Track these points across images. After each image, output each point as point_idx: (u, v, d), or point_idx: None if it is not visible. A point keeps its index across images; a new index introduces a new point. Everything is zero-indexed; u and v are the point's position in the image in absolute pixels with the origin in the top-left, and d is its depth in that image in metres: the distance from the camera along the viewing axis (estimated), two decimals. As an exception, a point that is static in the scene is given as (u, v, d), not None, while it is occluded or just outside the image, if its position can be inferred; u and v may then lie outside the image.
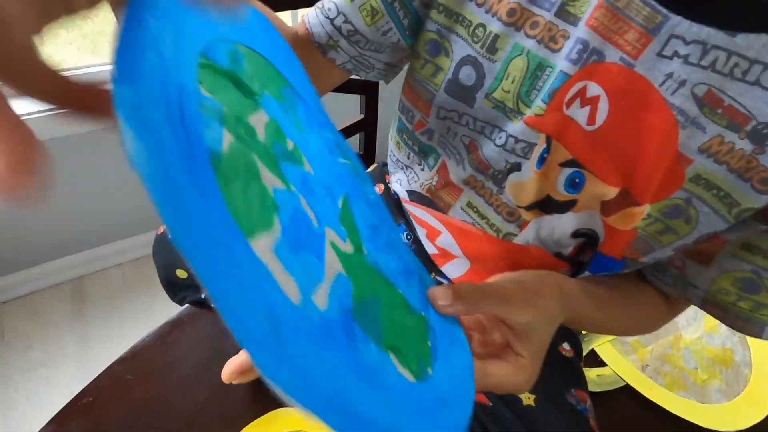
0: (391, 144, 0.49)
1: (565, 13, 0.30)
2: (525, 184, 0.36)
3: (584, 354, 0.59)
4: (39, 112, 0.96)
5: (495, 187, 0.38)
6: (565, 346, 0.45)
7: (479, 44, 0.34)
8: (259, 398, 0.47)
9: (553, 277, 0.33)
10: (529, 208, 0.37)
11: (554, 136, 0.33)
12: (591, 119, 0.31)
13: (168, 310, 0.55)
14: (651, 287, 0.40)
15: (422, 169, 0.45)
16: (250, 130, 0.20)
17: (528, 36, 0.32)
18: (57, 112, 0.14)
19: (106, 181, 1.17)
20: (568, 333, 0.46)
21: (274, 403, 0.47)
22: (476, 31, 0.34)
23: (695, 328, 0.63)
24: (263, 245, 0.16)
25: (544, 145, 0.34)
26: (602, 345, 0.59)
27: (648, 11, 0.28)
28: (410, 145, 0.45)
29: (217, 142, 0.17)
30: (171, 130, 0.14)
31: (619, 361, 0.57)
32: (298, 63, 0.29)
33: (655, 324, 0.43)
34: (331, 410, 0.14)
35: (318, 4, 0.40)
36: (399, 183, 0.49)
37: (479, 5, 0.33)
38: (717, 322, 0.66)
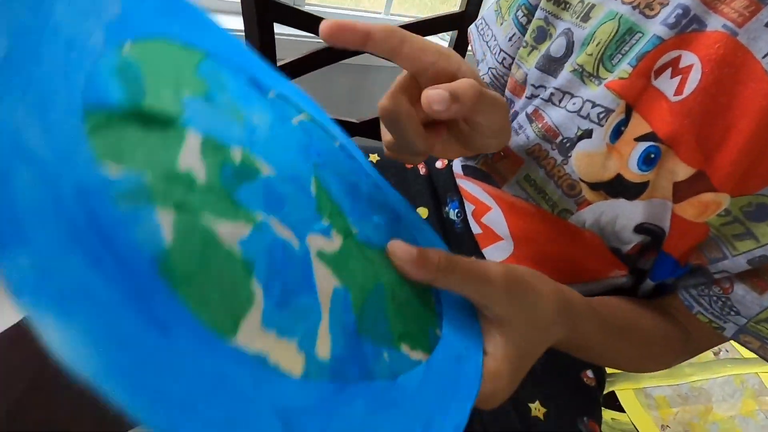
0: None
1: None
2: (594, 155, 0.34)
3: (604, 393, 0.56)
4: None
5: (560, 156, 0.37)
6: (589, 373, 0.43)
7: (576, 16, 0.35)
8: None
9: (556, 282, 0.29)
10: (594, 187, 0.35)
11: (635, 106, 0.31)
12: (679, 90, 0.29)
13: None
14: (669, 321, 0.36)
15: None
16: (187, 180, 0.16)
17: (624, 2, 0.32)
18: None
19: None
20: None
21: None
22: (576, 7, 0.35)
23: (730, 406, 0.59)
24: (250, 329, 0.15)
25: (622, 116, 0.32)
26: (625, 391, 0.56)
27: None
28: None
29: (156, 237, 0.14)
30: (98, 275, 0.11)
31: (640, 412, 0.54)
32: (199, 14, 0.23)
33: (668, 362, 0.39)
34: None
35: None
36: (461, 159, 0.48)
37: None
38: (756, 407, 0.60)
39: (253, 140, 0.20)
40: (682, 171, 0.30)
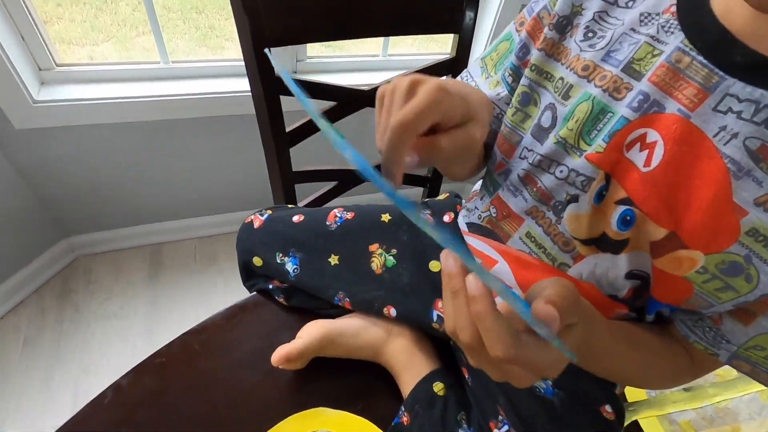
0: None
1: (630, 70, 0.35)
2: (582, 216, 0.39)
3: (627, 423, 0.56)
4: (155, 96, 1.09)
5: (554, 216, 0.42)
6: (608, 408, 0.45)
7: (558, 93, 0.40)
8: (304, 392, 0.51)
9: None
10: (586, 242, 0.40)
11: (612, 174, 0.36)
12: (647, 162, 0.34)
13: (227, 289, 0.61)
14: (675, 342, 0.40)
15: (482, 201, 0.50)
16: None
17: (596, 86, 0.37)
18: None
19: (194, 165, 1.29)
20: (611, 396, 0.46)
21: (317, 400, 0.50)
22: (557, 83, 0.40)
23: (759, 425, 0.59)
24: None
25: (603, 182, 0.37)
26: (648, 419, 0.56)
27: (706, 72, 0.31)
28: (487, 185, 0.50)
29: None
30: None
31: (665, 439, 0.54)
32: None
33: (676, 380, 0.42)
34: None
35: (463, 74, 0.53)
36: (465, 217, 0.52)
37: (562, 63, 0.40)
38: (786, 423, 0.60)
39: None
40: (656, 232, 0.34)
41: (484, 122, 0.33)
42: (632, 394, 0.60)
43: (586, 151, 0.37)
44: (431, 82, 0.29)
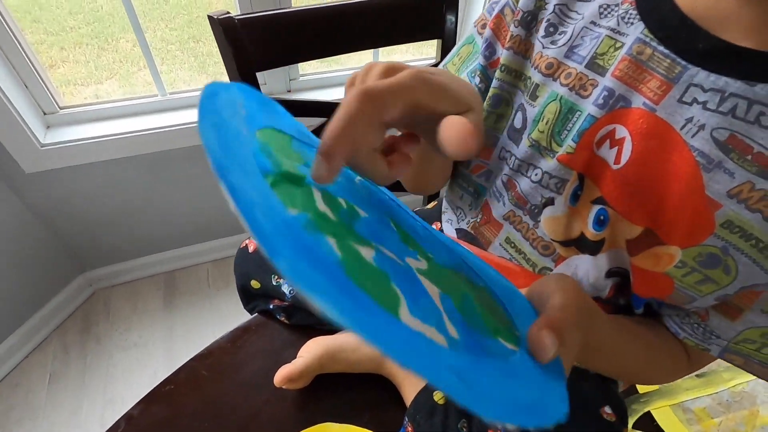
0: (444, 188, 0.53)
1: (594, 65, 0.34)
2: (559, 218, 0.38)
3: (639, 414, 0.56)
4: (155, 128, 1.12)
5: (531, 221, 0.41)
6: (607, 409, 0.44)
7: (526, 93, 0.39)
8: (311, 408, 0.52)
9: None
10: (565, 244, 0.39)
11: (586, 174, 0.36)
12: (617, 159, 0.33)
13: (241, 308, 0.62)
14: (671, 336, 0.39)
15: (470, 208, 0.50)
16: (327, 218, 0.21)
17: (562, 84, 0.36)
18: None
19: (199, 191, 1.32)
20: (611, 397, 0.45)
21: (324, 415, 0.51)
22: (526, 82, 0.39)
23: (779, 406, 0.57)
24: (405, 316, 0.19)
25: (577, 182, 0.36)
26: (661, 409, 0.55)
27: (668, 62, 0.30)
28: (465, 187, 0.49)
29: (333, 253, 0.18)
30: (321, 274, 0.16)
31: (680, 430, 0.53)
32: (274, 105, 0.30)
33: (675, 373, 0.41)
34: (522, 413, 0.19)
35: None
36: (449, 223, 0.52)
37: (530, 62, 0.39)
38: (807, 403, 0.59)
39: (344, 192, 0.26)
40: (631, 230, 0.34)
41: (478, 111, 0.31)
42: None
43: (557, 152, 0.37)
44: (410, 69, 0.24)
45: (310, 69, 1.33)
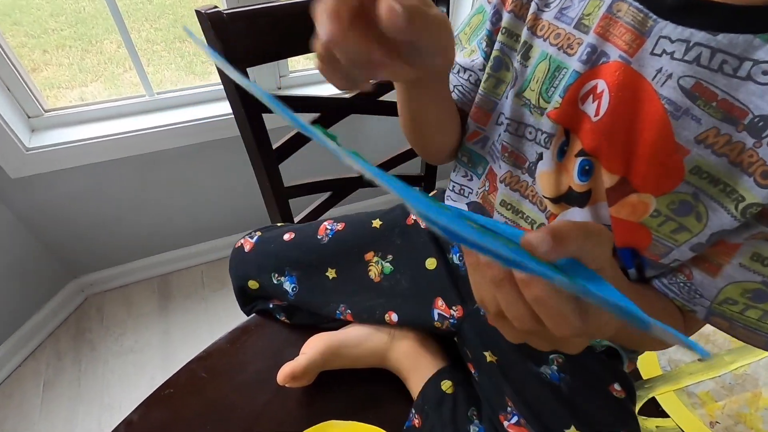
0: (444, 189, 0.55)
1: (581, 25, 0.37)
2: (549, 174, 0.40)
3: (644, 401, 0.56)
4: (143, 129, 1.10)
5: (530, 179, 0.43)
6: (616, 386, 0.44)
7: (519, 54, 0.41)
8: (314, 407, 0.51)
9: None
10: (555, 201, 0.41)
11: (570, 129, 0.37)
12: (597, 111, 0.35)
13: (238, 310, 0.61)
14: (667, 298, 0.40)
15: (471, 180, 0.52)
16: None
17: (551, 44, 0.38)
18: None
19: (190, 192, 1.30)
20: (618, 374, 0.45)
21: (327, 413, 0.50)
22: (521, 44, 0.41)
23: (780, 387, 0.57)
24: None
25: (563, 138, 0.38)
26: (665, 394, 0.55)
27: (642, 17, 0.32)
28: (460, 158, 0.51)
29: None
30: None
31: (685, 414, 0.53)
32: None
33: (673, 337, 0.40)
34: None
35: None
36: (456, 199, 0.53)
37: (525, 24, 0.41)
38: (808, 383, 0.59)
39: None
40: (609, 179, 0.35)
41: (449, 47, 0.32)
42: (646, 370, 0.59)
43: (546, 109, 0.39)
44: None
45: (299, 66, 1.31)
